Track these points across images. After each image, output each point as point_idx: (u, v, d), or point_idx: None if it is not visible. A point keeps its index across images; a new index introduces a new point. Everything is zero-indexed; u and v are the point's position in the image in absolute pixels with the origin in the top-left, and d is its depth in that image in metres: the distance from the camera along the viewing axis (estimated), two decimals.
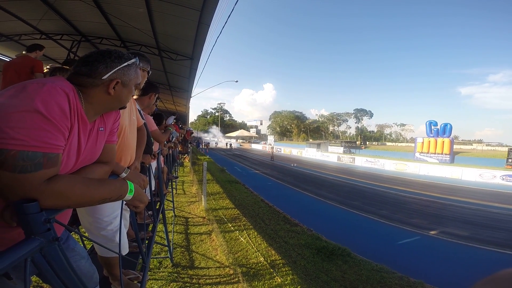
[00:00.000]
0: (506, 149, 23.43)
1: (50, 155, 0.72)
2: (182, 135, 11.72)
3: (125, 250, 1.73)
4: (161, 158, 4.25)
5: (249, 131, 72.86)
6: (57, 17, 6.94)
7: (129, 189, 0.99)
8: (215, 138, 57.29)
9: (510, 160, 19.65)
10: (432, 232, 7.22)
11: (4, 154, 0.65)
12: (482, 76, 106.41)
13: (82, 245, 1.64)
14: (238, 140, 61.32)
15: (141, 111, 2.24)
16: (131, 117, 1.70)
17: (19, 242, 0.66)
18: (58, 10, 6.68)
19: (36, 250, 0.68)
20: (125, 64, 0.98)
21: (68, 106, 0.78)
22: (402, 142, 55.46)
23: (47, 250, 0.72)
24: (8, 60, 8.42)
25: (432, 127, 24.58)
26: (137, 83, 1.08)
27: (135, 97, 2.23)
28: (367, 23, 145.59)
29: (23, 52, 3.39)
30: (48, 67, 3.36)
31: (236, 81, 30.64)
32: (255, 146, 52.07)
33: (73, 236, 1.36)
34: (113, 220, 1.57)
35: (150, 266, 4.04)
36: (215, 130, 68.34)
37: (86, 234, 1.66)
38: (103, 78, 0.91)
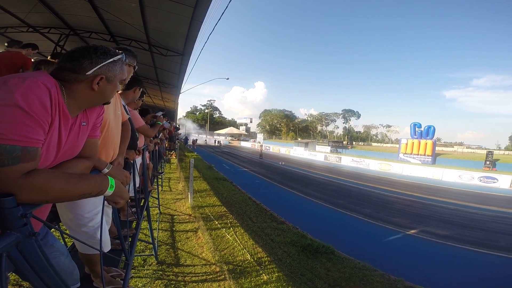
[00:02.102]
0: (485, 151, 24.45)
1: (28, 149, 0.72)
2: (168, 131, 11.52)
3: (107, 247, 1.70)
4: (147, 154, 4.18)
5: (239, 129, 72.50)
6: (47, 10, 6.67)
7: (109, 184, 0.98)
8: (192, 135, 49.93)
9: (488, 162, 20.59)
10: (413, 231, 7.42)
11: None
12: (466, 80, 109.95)
13: (62, 241, 1.60)
14: (227, 138, 61.00)
15: (126, 106, 2.21)
16: (116, 112, 1.68)
17: None
18: (48, 3, 6.43)
19: (12, 245, 0.67)
20: (111, 60, 0.97)
21: (50, 100, 0.78)
22: (387, 143, 56.74)
23: (24, 245, 0.71)
24: None
25: (416, 128, 25.36)
26: (122, 79, 1.07)
27: (119, 91, 2.20)
28: (356, 25, 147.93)
29: (16, 47, 3.23)
30: (32, 60, 3.23)
31: (227, 79, 29.96)
32: (244, 144, 51.98)
33: (54, 233, 1.34)
34: (94, 217, 1.54)
35: (134, 264, 3.98)
36: (189, 123, 66.25)
37: (67, 231, 1.62)
38: (87, 73, 0.91)
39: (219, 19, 7.08)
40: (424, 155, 24.27)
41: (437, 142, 27.79)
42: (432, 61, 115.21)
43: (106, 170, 1.23)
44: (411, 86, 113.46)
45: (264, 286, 3.84)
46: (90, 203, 1.51)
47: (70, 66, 0.90)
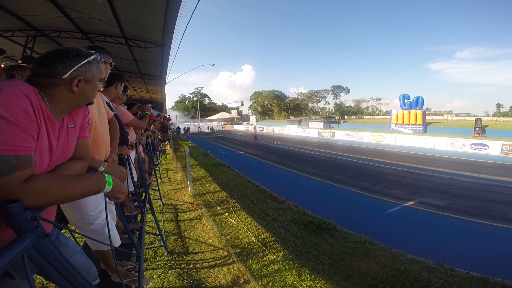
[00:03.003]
0: (473, 119, 24.93)
1: (22, 157, 0.74)
2: (159, 123, 11.35)
3: (116, 242, 1.78)
4: (140, 148, 4.14)
5: (231, 113, 71.95)
6: (4, 13, 6.16)
7: (107, 181, 1.02)
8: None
9: (477, 128, 21.07)
10: (410, 203, 7.58)
11: None
12: (450, 53, 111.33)
13: (74, 241, 1.64)
14: (220, 123, 60.60)
15: (110, 103, 2.20)
16: (100, 111, 1.68)
17: (12, 241, 0.69)
18: (3, 6, 5.92)
19: (29, 247, 0.72)
20: (85, 61, 0.96)
21: (32, 108, 0.78)
22: (378, 115, 57.21)
23: (40, 246, 0.76)
24: None
25: (405, 100, 25.66)
26: (101, 78, 1.07)
27: (101, 89, 2.18)
28: (340, 6, 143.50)
29: None
30: (2, 66, 3.05)
31: (213, 65, 29.41)
32: (237, 127, 51.89)
33: (65, 234, 1.38)
34: (99, 214, 1.60)
35: (146, 256, 4.07)
36: (177, 112, 66.85)
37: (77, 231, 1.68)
38: (63, 77, 0.90)
39: (196, 7, 6.89)
40: (415, 124, 24.69)
41: (426, 112, 28.19)
42: (416, 35, 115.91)
43: (102, 168, 1.27)
44: (397, 60, 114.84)
45: (271, 265, 3.95)
46: (93, 202, 1.56)
47: (44, 72, 0.88)
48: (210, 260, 4.17)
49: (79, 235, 2.51)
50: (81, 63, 0.94)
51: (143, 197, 3.69)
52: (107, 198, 1.49)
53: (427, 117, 26.60)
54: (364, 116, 57.86)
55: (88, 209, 1.55)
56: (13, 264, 0.66)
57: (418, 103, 24.87)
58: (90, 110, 1.27)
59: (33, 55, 7.25)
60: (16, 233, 0.72)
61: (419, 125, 24.50)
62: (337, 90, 72.90)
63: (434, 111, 51.76)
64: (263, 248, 4.44)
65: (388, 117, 28.99)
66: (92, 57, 1.00)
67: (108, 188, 1.02)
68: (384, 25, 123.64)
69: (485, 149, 17.15)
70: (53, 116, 0.89)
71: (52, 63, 0.89)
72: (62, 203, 1.26)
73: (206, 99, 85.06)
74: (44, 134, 0.85)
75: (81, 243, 2.37)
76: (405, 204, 7.49)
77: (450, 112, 48.58)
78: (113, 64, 1.84)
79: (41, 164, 0.86)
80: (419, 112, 24.64)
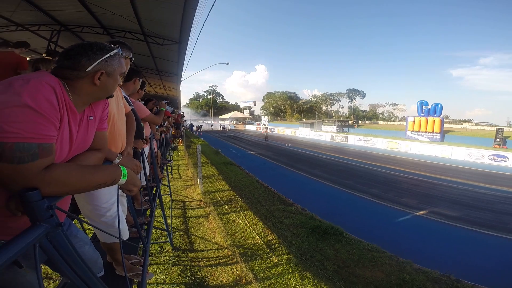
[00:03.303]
0: (494, 128, 23.86)
1: (44, 145, 0.76)
2: (174, 120, 11.56)
3: (125, 235, 1.80)
4: (154, 143, 4.23)
5: (243, 112, 72.31)
6: (32, 8, 6.51)
7: (122, 173, 1.04)
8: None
9: (498, 139, 20.07)
10: (422, 212, 7.40)
11: (2, 147, 0.69)
12: (473, 59, 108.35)
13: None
14: (232, 122, 61.02)
15: (128, 98, 2.26)
16: (119, 104, 1.72)
17: (26, 229, 0.70)
18: (32, 1, 6.28)
19: (43, 236, 0.72)
20: (108, 55, 1.00)
21: (56, 99, 0.81)
22: (394, 121, 55.87)
23: (53, 235, 0.77)
24: None
25: (423, 107, 24.77)
26: (122, 72, 1.11)
27: (120, 83, 2.25)
28: (359, 9, 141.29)
29: (9, 48, 3.19)
30: (28, 59, 3.21)
31: (227, 63, 29.94)
32: (249, 127, 52.06)
33: (76, 225, 1.42)
34: (111, 207, 1.63)
35: (152, 251, 4.14)
36: (190, 110, 67.92)
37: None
38: (87, 70, 0.94)
39: (213, 6, 7.02)
40: (432, 132, 23.84)
41: (445, 120, 27.25)
42: (437, 40, 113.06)
43: (117, 161, 1.29)
44: (416, 65, 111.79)
45: (274, 268, 3.96)
46: (106, 194, 1.60)
47: (68, 64, 0.92)
48: (214, 258, 4.21)
49: (88, 227, 2.58)
50: (104, 57, 0.98)
51: (154, 192, 3.78)
52: (119, 191, 1.53)
53: (445, 125, 25.67)
54: (379, 122, 56.72)
55: (101, 201, 1.58)
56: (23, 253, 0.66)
57: (436, 110, 24.00)
58: (109, 103, 1.30)
59: (56, 49, 7.58)
60: (31, 221, 0.73)
61: (436, 133, 23.67)
62: (353, 93, 71.78)
63: (453, 119, 49.99)
64: (268, 250, 4.45)
65: (404, 123, 28.14)
66: (115, 51, 1.03)
67: (123, 180, 1.03)
68: (404, 29, 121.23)
69: (505, 161, 16.42)
70: (75, 107, 0.92)
71: (77, 57, 0.93)
72: (78, 192, 1.28)
73: (220, 97, 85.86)
74: (66, 124, 0.88)
75: (90, 235, 2.44)
76: (416, 213, 7.31)
77: (470, 121, 46.85)
78: (133, 59, 1.88)
79: (61, 153, 0.89)
80: (437, 119, 23.81)
